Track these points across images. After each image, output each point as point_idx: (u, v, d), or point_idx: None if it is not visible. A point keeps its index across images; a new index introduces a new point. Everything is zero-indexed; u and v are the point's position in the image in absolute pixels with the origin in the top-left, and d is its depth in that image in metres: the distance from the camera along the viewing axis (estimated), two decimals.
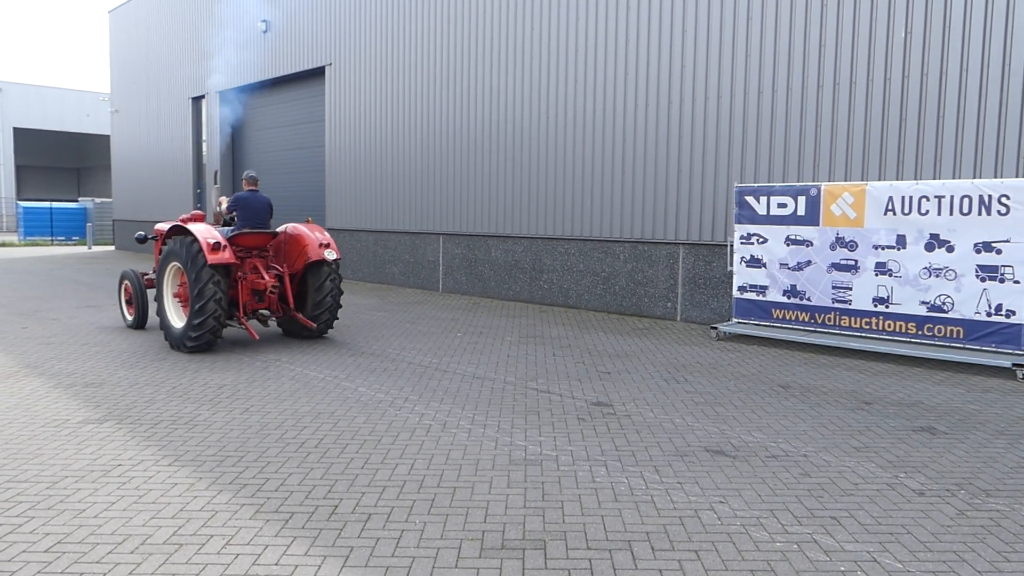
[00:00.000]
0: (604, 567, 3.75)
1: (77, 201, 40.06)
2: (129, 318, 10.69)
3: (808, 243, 9.23)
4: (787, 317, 9.51)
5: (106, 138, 39.78)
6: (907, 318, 8.51)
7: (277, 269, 9.51)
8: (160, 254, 9.74)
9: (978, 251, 7.95)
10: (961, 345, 8.14)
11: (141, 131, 26.82)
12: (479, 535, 4.10)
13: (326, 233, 9.69)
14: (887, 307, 8.65)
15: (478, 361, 8.62)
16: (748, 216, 9.77)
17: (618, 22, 11.92)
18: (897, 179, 9.16)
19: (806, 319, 9.34)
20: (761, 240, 9.66)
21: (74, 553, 3.87)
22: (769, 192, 9.56)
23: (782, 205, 9.43)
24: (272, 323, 10.43)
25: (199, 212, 9.97)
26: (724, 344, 9.76)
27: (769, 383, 7.63)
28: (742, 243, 9.88)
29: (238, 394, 7.07)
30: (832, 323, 9.12)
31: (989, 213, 7.85)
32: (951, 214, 8.08)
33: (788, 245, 9.42)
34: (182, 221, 9.44)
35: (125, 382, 7.51)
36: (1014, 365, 7.74)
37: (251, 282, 9.19)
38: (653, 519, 4.32)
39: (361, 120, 16.91)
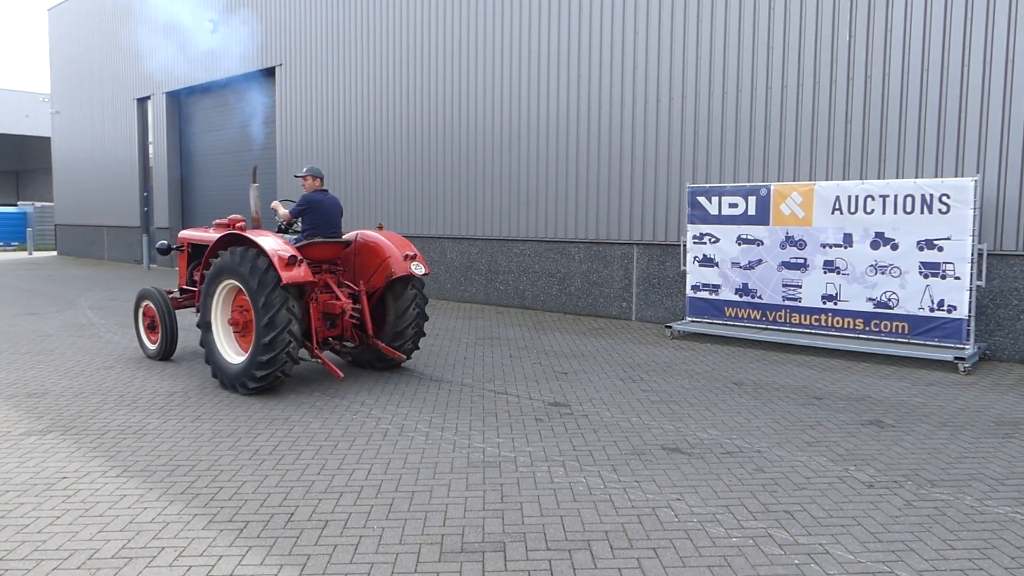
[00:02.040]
0: (564, 567, 3.76)
1: (16, 205, 38.77)
2: (151, 347, 8.77)
3: (759, 242, 9.40)
4: (739, 315, 9.67)
5: (47, 140, 38.59)
6: (855, 314, 8.72)
7: (351, 287, 7.83)
8: (200, 268, 8.15)
9: (921, 249, 8.18)
10: (906, 340, 8.37)
11: (84, 133, 26.07)
12: (438, 539, 4.07)
13: (409, 243, 8.04)
14: (835, 304, 8.85)
15: (434, 364, 8.57)
16: (700, 216, 9.91)
17: (571, 25, 11.99)
18: (844, 179, 9.38)
19: (758, 317, 9.51)
20: (713, 240, 9.80)
21: (18, 571, 3.73)
22: (720, 192, 9.71)
23: (733, 205, 9.59)
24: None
25: (237, 217, 8.37)
26: (678, 343, 9.87)
27: (723, 380, 7.74)
28: (695, 243, 10.01)
29: (189, 401, 6.91)
30: (783, 320, 9.30)
31: (931, 212, 8.09)
32: (895, 213, 8.31)
33: (739, 244, 9.58)
34: (221, 228, 8.31)
35: (70, 391, 7.29)
36: (956, 359, 7.99)
37: (324, 304, 7.50)
38: (611, 518, 4.35)
39: (313, 121, 16.70)
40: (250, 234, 7.15)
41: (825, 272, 8.86)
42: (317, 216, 7.82)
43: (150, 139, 22.68)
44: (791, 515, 4.38)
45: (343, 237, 8.09)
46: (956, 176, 8.57)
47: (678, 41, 10.81)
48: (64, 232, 28.02)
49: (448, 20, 13.72)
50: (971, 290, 7.94)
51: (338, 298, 7.49)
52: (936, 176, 8.73)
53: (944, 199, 7.99)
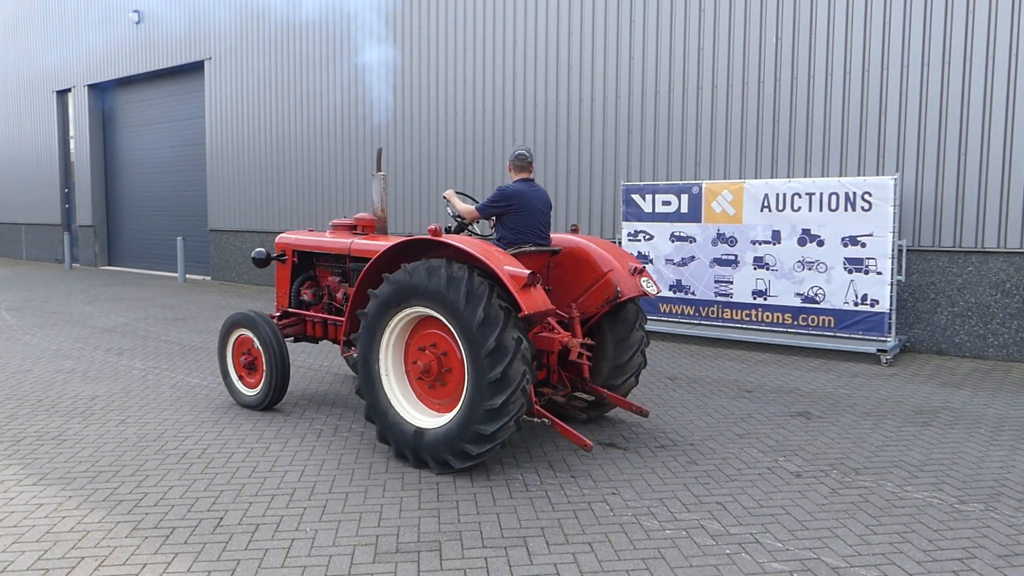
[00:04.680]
0: (500, 564, 3.75)
1: None
2: (247, 392, 6.52)
3: (691, 239, 9.57)
4: (674, 311, 9.83)
5: None
6: (783, 309, 8.96)
7: (559, 314, 5.61)
8: (324, 284, 6.66)
9: (845, 245, 8.45)
10: (832, 334, 8.64)
11: None
12: (373, 540, 4.02)
13: (626, 251, 6.43)
14: (765, 299, 9.08)
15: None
16: (635, 214, 10.04)
17: (505, 23, 11.98)
18: (772, 178, 9.62)
19: (691, 312, 9.68)
20: (648, 237, 9.94)
21: None
22: (654, 190, 9.84)
23: (666, 203, 9.74)
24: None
25: (366, 216, 6.84)
26: None
27: (657, 375, 7.85)
28: (630, 240, 10.13)
29: (113, 405, 6.66)
30: (715, 316, 9.49)
31: (854, 209, 8.36)
32: (821, 210, 8.56)
33: (673, 241, 9.73)
34: (340, 230, 6.78)
35: None
36: (878, 351, 8.29)
37: (538, 339, 5.27)
38: (548, 513, 4.36)
39: (245, 116, 16.29)
40: (458, 241, 5.05)
41: (755, 268, 9.08)
42: (522, 216, 5.71)
43: (71, 133, 21.77)
44: (723, 506, 4.46)
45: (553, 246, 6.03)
46: (877, 175, 8.88)
47: (611, 41, 10.92)
48: None
49: (387, 13, 13.56)
50: (892, 285, 8.24)
51: (551, 329, 5.34)
52: (858, 175, 9.03)
53: (866, 197, 8.28)
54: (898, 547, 3.93)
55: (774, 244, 8.92)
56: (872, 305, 8.36)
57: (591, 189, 11.27)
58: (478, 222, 6.30)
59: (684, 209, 9.58)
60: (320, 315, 6.67)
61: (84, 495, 4.60)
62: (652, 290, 5.82)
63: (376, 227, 6.84)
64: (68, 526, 4.17)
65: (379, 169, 6.92)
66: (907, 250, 8.63)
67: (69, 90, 21.47)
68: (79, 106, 21.00)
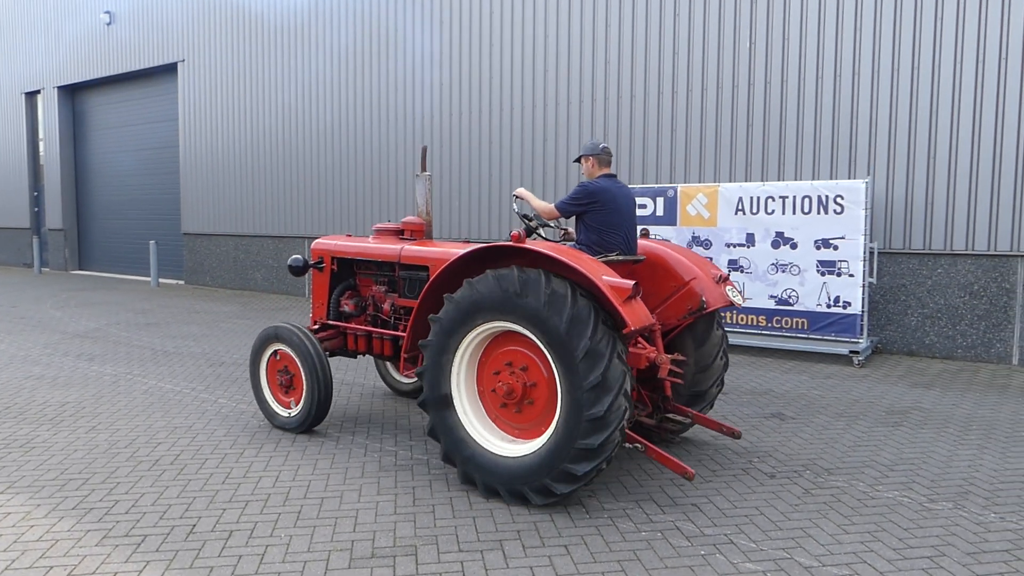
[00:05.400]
0: (476, 568, 3.74)
1: None
2: (284, 412, 5.99)
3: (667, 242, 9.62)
4: None
5: None
6: (758, 311, 9.04)
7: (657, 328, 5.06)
8: (373, 294, 6.18)
9: (818, 247, 8.56)
10: (806, 335, 8.73)
11: None
12: (348, 545, 3.99)
13: (707, 259, 5.82)
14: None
15: (347, 367, 8.41)
16: None
17: (482, 27, 12.00)
18: (746, 181, 9.71)
19: None
20: None
21: None
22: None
23: (642, 206, 9.78)
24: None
25: (414, 220, 6.29)
26: None
27: None
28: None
29: (83, 412, 6.56)
30: None
31: (827, 212, 8.47)
32: (794, 213, 8.66)
33: None
34: (385, 235, 6.31)
35: None
36: (850, 352, 8.39)
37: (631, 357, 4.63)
38: (524, 517, 4.36)
39: (218, 119, 16.15)
40: (539, 247, 4.56)
41: (730, 271, 9.15)
42: (607, 215, 5.12)
43: (40, 135, 21.43)
44: (698, 507, 4.49)
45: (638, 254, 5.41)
46: (849, 179, 8.99)
47: (587, 45, 10.97)
48: None
49: (359, 17, 13.51)
50: (864, 287, 8.35)
51: (636, 343, 4.77)
52: (831, 179, 9.15)
53: (838, 200, 8.38)
54: (869, 546, 3.98)
55: (748, 247, 9.00)
56: (844, 307, 8.46)
57: (568, 191, 11.29)
58: (557, 223, 5.76)
59: (660, 212, 9.64)
60: (364, 328, 6.05)
61: (53, 503, 4.53)
62: (739, 300, 5.36)
63: (426, 233, 6.31)
64: (36, 535, 4.10)
65: (424, 169, 6.37)
66: (878, 252, 8.75)
67: (38, 92, 21.15)
68: (48, 108, 20.68)
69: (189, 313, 12.66)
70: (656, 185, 9.90)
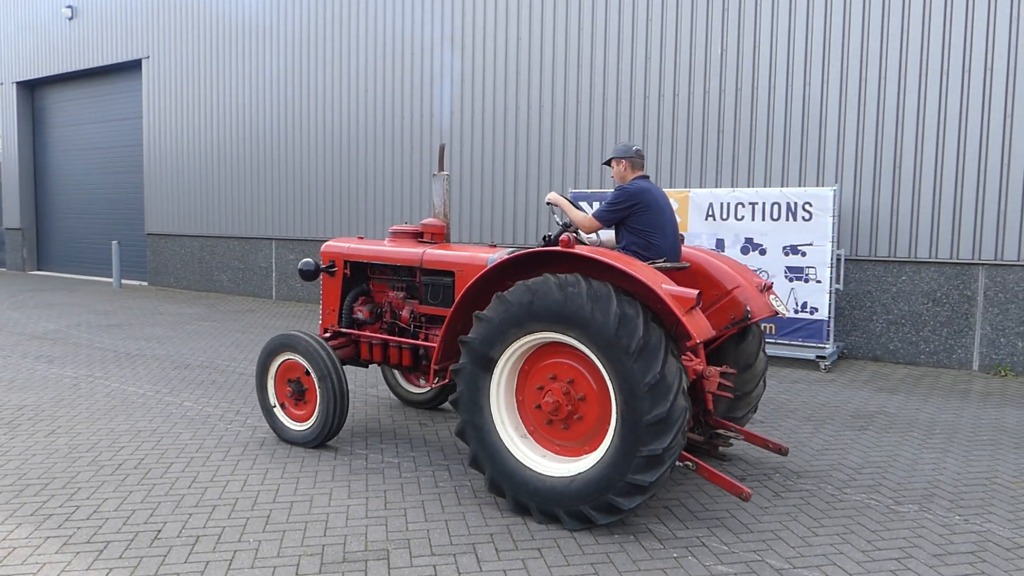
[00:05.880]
0: (449, 572, 3.70)
1: None
2: (295, 426, 5.62)
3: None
4: None
5: None
6: None
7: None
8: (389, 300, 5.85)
9: (786, 253, 8.66)
10: (774, 340, 8.83)
11: None
12: (319, 549, 3.93)
13: (745, 265, 5.68)
14: None
15: None
16: None
17: (454, 25, 11.97)
18: (716, 187, 9.80)
19: None
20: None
21: None
22: (602, 198, 9.92)
23: None
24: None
25: (433, 222, 5.96)
26: None
27: None
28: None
29: (43, 415, 6.38)
30: None
31: (795, 219, 8.58)
32: (763, 219, 8.75)
33: None
34: (402, 238, 5.95)
35: None
36: (818, 357, 8.50)
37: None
38: (496, 520, 4.33)
39: (184, 117, 15.89)
40: (589, 252, 4.25)
41: None
42: (653, 216, 4.86)
43: None
44: (670, 510, 4.50)
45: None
46: (817, 186, 9.12)
47: (559, 49, 11.00)
48: None
49: (330, 14, 13.40)
50: (831, 293, 8.47)
51: (683, 355, 4.53)
52: (799, 186, 9.27)
53: (807, 207, 8.50)
54: (838, 548, 4.02)
55: (719, 252, 9.06)
56: (812, 313, 8.57)
57: (539, 196, 11.31)
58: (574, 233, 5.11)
59: None
60: (380, 336, 5.76)
61: (10, 510, 4.39)
62: (783, 310, 5.09)
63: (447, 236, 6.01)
64: None
65: (441, 168, 6.06)
66: (845, 259, 8.88)
67: None
68: (7, 104, 20.17)
69: (153, 315, 12.42)
70: None
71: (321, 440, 5.44)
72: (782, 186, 9.38)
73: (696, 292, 4.08)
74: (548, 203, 5.30)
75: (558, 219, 5.26)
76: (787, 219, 8.60)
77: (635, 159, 5.10)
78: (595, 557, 3.89)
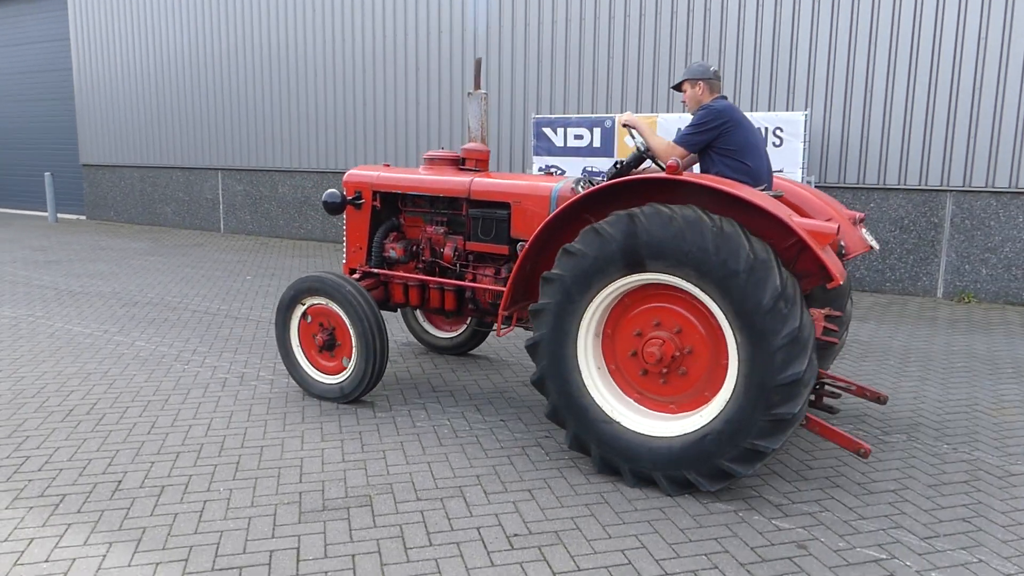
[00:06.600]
0: (438, 517, 3.51)
1: None
2: (328, 380, 5.01)
3: (604, 175, 9.39)
4: None
5: None
6: None
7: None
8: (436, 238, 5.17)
9: None
10: None
11: None
12: (295, 497, 3.69)
13: (834, 200, 4.84)
14: None
15: (272, 305, 7.93)
16: (546, 148, 9.76)
17: None
18: (685, 112, 9.51)
19: None
20: (559, 172, 9.70)
21: None
22: (566, 124, 9.58)
23: (578, 137, 9.50)
24: None
25: (477, 147, 5.36)
26: None
27: None
28: (541, 175, 9.87)
29: None
30: None
31: (767, 145, 8.37)
32: None
33: None
34: (441, 165, 5.31)
35: None
36: None
37: None
38: (481, 460, 4.14)
39: (118, 37, 14.80)
40: (702, 180, 3.72)
41: None
42: (746, 134, 4.26)
43: None
44: None
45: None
46: (787, 111, 8.91)
47: None
48: None
49: None
50: None
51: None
52: (769, 111, 9.05)
53: (778, 132, 8.30)
54: (835, 481, 3.95)
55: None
56: None
57: (499, 121, 10.90)
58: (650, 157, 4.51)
59: (596, 143, 9.38)
60: (417, 277, 5.14)
61: None
62: (875, 244, 4.58)
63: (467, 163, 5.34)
64: None
65: (477, 86, 5.35)
66: (815, 187, 8.75)
67: None
68: None
69: (94, 250, 11.76)
70: (592, 115, 9.61)
71: (357, 396, 4.88)
72: (752, 110, 9.14)
73: (836, 226, 3.55)
74: (624, 124, 4.70)
75: (635, 143, 4.58)
76: None
77: (713, 80, 4.45)
78: (589, 497, 3.73)
